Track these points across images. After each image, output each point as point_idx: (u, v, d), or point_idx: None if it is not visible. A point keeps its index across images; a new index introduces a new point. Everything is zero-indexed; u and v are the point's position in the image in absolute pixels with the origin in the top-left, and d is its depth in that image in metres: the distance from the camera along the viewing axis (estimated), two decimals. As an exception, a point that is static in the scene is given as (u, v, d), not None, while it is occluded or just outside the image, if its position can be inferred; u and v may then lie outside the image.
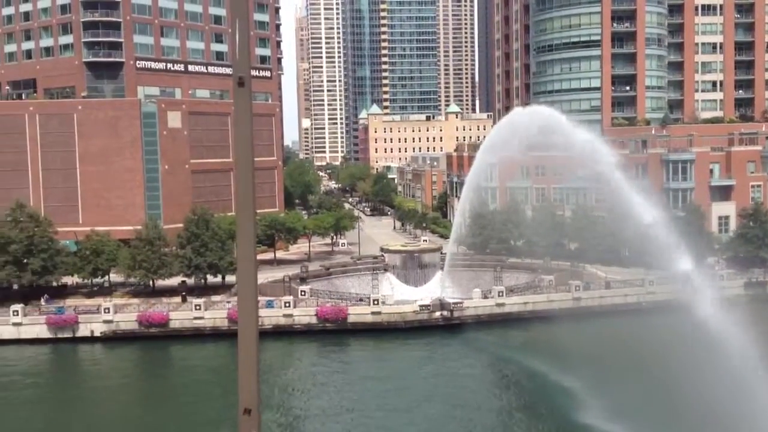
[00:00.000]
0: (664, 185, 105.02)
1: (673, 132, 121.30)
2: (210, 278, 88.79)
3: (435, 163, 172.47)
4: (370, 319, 78.86)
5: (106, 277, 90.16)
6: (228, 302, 79.31)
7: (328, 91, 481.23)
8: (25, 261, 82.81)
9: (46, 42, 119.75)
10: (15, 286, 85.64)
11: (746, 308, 63.13)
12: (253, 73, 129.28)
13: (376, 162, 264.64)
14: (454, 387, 60.76)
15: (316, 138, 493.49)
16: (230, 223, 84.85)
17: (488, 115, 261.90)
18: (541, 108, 69.56)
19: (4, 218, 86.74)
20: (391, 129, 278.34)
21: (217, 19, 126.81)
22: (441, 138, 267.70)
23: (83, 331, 76.49)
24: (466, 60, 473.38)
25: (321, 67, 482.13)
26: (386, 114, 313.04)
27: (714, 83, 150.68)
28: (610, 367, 53.72)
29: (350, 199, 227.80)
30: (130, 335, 76.07)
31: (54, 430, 55.24)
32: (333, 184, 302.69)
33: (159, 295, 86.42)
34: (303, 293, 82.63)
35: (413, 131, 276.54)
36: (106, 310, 77.04)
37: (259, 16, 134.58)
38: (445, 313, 79.44)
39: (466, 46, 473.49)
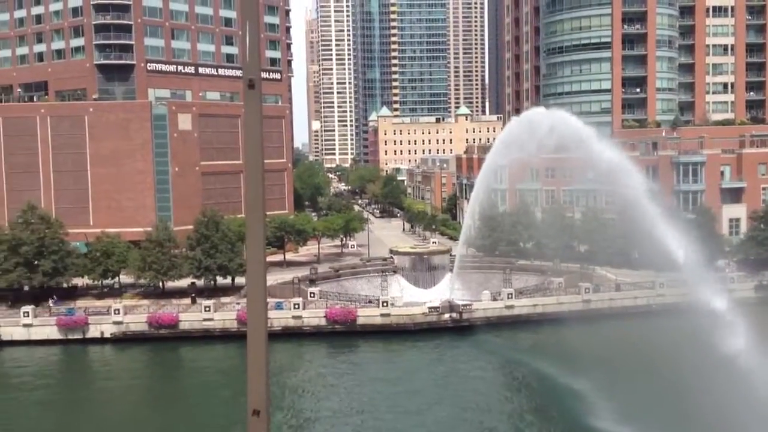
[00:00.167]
0: (674, 187, 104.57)
1: (684, 134, 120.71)
2: (219, 280, 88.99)
3: (444, 165, 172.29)
4: (379, 321, 78.85)
5: (116, 279, 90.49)
6: (237, 304, 79.46)
7: (338, 93, 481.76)
8: (36, 262, 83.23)
9: (58, 45, 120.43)
10: (26, 288, 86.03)
11: (757, 310, 62.79)
12: (263, 75, 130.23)
13: (386, 164, 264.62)
14: (464, 389, 60.65)
15: (325, 140, 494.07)
16: (240, 225, 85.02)
17: (498, 117, 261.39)
18: (565, 116, 66.28)
19: (16, 220, 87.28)
20: (400, 131, 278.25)
21: (228, 22, 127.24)
22: (451, 140, 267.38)
23: (93, 332, 76.80)
24: (476, 62, 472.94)
25: (331, 69, 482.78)
26: (396, 116, 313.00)
27: (725, 85, 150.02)
28: (620, 370, 53.53)
29: (360, 201, 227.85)
30: (140, 336, 76.32)
31: (64, 431, 55.48)
32: (342, 186, 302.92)
33: (169, 296, 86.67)
34: (312, 295, 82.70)
35: (423, 133, 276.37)
36: (116, 312, 77.35)
37: (269, 19, 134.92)
38: (454, 315, 79.33)
39: (476, 49, 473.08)
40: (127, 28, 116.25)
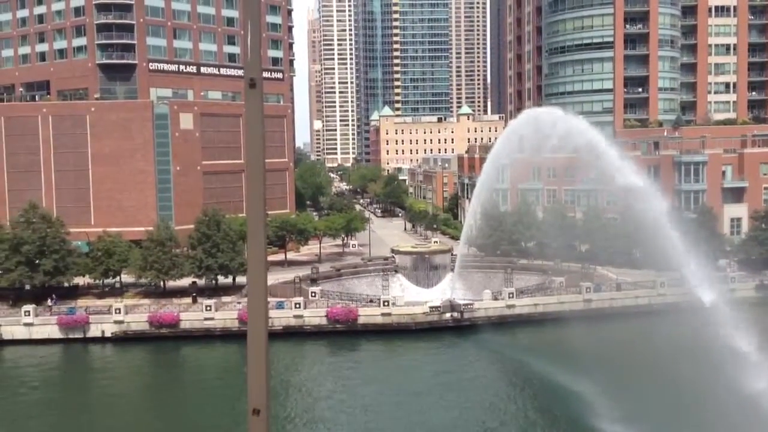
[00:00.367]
0: (676, 187, 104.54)
1: (686, 134, 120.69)
2: (221, 279, 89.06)
3: (446, 165, 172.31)
4: (380, 321, 78.87)
5: (118, 278, 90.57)
6: (238, 303, 79.53)
7: (340, 92, 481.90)
8: (37, 262, 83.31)
9: (60, 44, 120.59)
10: (27, 287, 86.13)
11: (758, 310, 62.73)
12: (265, 74, 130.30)
13: (388, 163, 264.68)
14: (465, 388, 60.65)
15: (327, 140, 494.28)
16: (241, 225, 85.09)
17: (500, 117, 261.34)
18: (579, 125, 63.87)
19: (17, 219, 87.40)
20: (402, 131, 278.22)
21: (230, 21, 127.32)
22: (452, 140, 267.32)
23: (94, 331, 76.86)
24: (478, 62, 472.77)
25: (333, 68, 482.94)
26: (398, 116, 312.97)
27: (727, 85, 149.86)
28: (620, 369, 53.54)
29: (361, 201, 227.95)
30: (141, 336, 76.38)
31: (64, 431, 55.54)
32: (344, 186, 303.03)
33: (170, 295, 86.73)
34: (313, 294, 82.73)
35: (425, 133, 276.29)
36: (117, 311, 77.41)
37: (271, 18, 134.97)
38: (455, 314, 79.32)
39: (478, 48, 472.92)
40: (130, 27, 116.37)
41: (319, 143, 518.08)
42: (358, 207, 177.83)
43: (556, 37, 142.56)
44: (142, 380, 68.49)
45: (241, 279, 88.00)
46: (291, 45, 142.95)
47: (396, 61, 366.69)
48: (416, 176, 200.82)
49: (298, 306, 78.40)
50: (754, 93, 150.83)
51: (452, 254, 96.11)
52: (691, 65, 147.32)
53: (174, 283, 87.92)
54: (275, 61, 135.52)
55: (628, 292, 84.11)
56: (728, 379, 39.08)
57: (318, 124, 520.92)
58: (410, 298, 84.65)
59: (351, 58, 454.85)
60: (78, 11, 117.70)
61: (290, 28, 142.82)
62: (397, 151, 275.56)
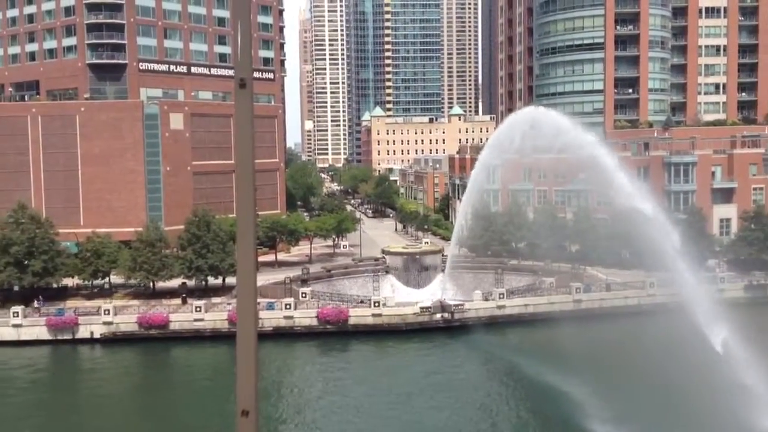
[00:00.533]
0: (665, 187, 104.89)
1: (676, 134, 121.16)
2: (210, 280, 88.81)
3: (437, 166, 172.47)
4: (371, 321, 78.84)
5: (107, 279, 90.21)
6: (228, 304, 79.36)
7: (331, 93, 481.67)
8: (26, 262, 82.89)
9: (50, 44, 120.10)
10: (15, 288, 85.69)
11: (746, 311, 62.98)
12: (256, 75, 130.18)
13: (379, 164, 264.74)
14: (456, 388, 60.67)
15: (318, 140, 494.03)
16: (231, 225, 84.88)
17: (491, 118, 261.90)
18: (584, 139, 61.82)
19: (6, 220, 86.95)
20: (393, 131, 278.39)
21: (221, 21, 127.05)
22: (444, 140, 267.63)
23: (83, 332, 76.53)
24: (470, 62, 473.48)
25: (324, 69, 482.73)
26: (389, 116, 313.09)
27: (717, 86, 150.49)
28: (610, 370, 53.73)
29: (352, 201, 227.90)
30: (130, 337, 76.10)
31: (53, 432, 55.32)
32: (335, 186, 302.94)
33: (159, 296, 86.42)
34: (304, 295, 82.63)
35: (416, 133, 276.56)
36: (106, 312, 77.12)
37: (262, 18, 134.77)
38: (445, 315, 79.37)
39: (469, 49, 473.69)
40: (120, 27, 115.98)
41: (310, 143, 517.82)
42: (349, 207, 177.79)
43: (547, 38, 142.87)
44: (131, 381, 68.22)
45: (231, 280, 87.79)
46: (282, 45, 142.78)
47: (387, 61, 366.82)
48: (407, 177, 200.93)
49: (288, 307, 78.29)
50: (743, 94, 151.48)
51: (443, 255, 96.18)
52: (681, 66, 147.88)
53: (163, 284, 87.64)
54: (266, 61, 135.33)
55: (617, 293, 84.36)
56: (718, 382, 39.24)
57: (309, 125, 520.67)
58: (401, 299, 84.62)
59: (342, 59, 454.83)
60: (68, 11, 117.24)
61: (281, 29, 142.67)
62: (388, 151, 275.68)
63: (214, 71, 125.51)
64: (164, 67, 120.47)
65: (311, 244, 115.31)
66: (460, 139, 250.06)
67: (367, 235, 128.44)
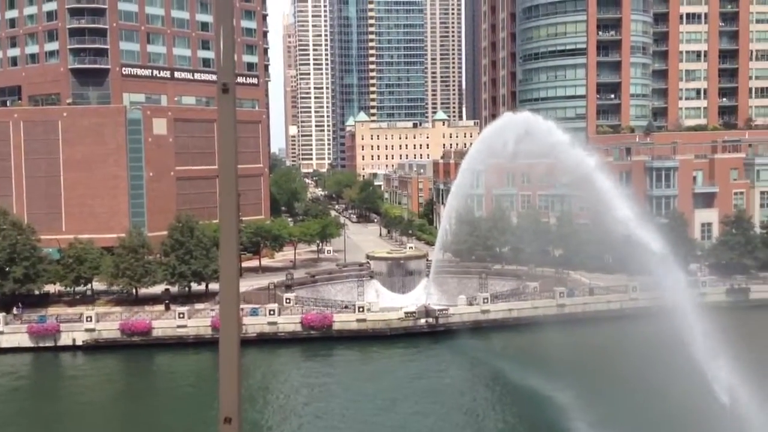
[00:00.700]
0: (647, 192, 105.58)
1: (657, 139, 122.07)
2: (194, 286, 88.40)
3: (422, 171, 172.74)
4: (355, 327, 78.76)
5: (89, 286, 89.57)
6: (212, 310, 78.99)
7: (316, 98, 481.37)
8: (7, 269, 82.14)
9: (32, 49, 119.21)
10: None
11: (727, 314, 63.43)
12: (240, 80, 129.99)
13: (363, 169, 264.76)
14: (441, 394, 60.70)
15: (302, 145, 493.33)
16: (215, 231, 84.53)
17: (475, 123, 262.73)
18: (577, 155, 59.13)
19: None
20: (378, 136, 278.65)
21: (204, 26, 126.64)
22: (428, 145, 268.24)
23: (65, 339, 75.89)
24: (454, 68, 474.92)
25: (308, 74, 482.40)
26: (373, 121, 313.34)
27: (698, 91, 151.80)
28: (593, 374, 54.00)
29: (337, 206, 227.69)
30: (113, 344, 75.53)
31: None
32: (319, 191, 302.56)
33: (142, 303, 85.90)
34: (288, 301, 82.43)
35: (400, 138, 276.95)
36: (89, 319, 76.52)
37: (246, 23, 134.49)
38: (430, 320, 79.45)
39: (453, 54, 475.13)
40: (102, 32, 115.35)
41: (295, 149, 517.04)
42: (333, 213, 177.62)
43: (530, 44, 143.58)
44: (113, 389, 67.69)
45: (214, 286, 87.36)
46: (266, 50, 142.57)
47: (371, 66, 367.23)
48: (391, 182, 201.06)
49: (272, 312, 78.07)
50: (724, 99, 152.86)
51: (427, 260, 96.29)
52: (663, 72, 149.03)
53: (146, 290, 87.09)
54: (250, 66, 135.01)
55: (600, 297, 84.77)
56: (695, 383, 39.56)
57: (293, 130, 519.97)
58: (385, 304, 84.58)
59: (326, 64, 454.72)
60: (50, 15, 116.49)
61: (265, 33, 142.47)
62: (372, 156, 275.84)
63: (197, 76, 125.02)
64: (147, 72, 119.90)
65: (295, 249, 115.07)
66: (444, 144, 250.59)
67: (351, 241, 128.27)
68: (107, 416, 59.62)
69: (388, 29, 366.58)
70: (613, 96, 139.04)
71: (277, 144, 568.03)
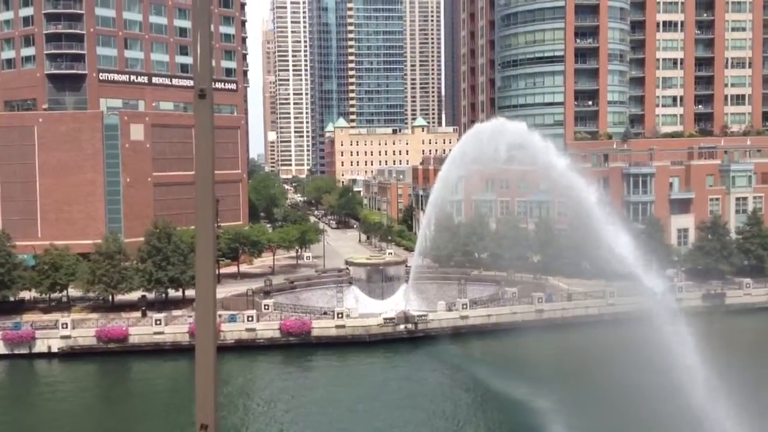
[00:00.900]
0: (624, 198, 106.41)
1: (634, 146, 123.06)
2: (171, 292, 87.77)
3: (401, 177, 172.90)
4: (334, 333, 78.52)
5: (65, 292, 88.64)
6: (189, 317, 78.35)
7: (295, 104, 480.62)
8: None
9: (8, 54, 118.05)
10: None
11: (703, 319, 64.01)
12: (219, 85, 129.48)
13: (342, 175, 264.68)
14: (420, 400, 60.59)
15: (281, 151, 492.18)
16: (193, 237, 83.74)
17: (454, 129, 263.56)
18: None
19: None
20: (357, 142, 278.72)
21: (182, 32, 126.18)
22: (407, 151, 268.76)
23: (40, 347, 74.96)
24: (433, 74, 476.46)
25: (287, 80, 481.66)
26: (352, 127, 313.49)
27: (674, 98, 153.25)
28: (569, 378, 54.27)
29: (316, 212, 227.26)
30: (89, 351, 74.74)
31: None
32: (298, 197, 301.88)
33: (118, 309, 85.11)
34: (266, 307, 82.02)
35: (379, 144, 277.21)
36: (64, 326, 75.67)
37: (225, 29, 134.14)
38: (409, 325, 79.40)
39: (432, 61, 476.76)
40: (80, 37, 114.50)
41: (274, 154, 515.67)
42: (312, 219, 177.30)
43: (509, 51, 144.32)
44: (89, 396, 66.94)
45: (191, 292, 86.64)
46: (245, 56, 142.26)
47: (351, 72, 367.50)
48: (371, 188, 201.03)
49: (250, 319, 77.64)
50: (700, 106, 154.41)
51: (406, 266, 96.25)
52: (640, 79, 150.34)
53: (123, 296, 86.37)
54: (228, 71, 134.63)
55: (578, 302, 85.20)
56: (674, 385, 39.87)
57: (272, 136, 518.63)
58: (364, 310, 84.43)
59: (306, 70, 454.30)
60: (27, 21, 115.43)
61: (244, 39, 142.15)
62: (351, 162, 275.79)
63: (175, 82, 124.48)
64: (125, 78, 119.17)
65: (274, 255, 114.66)
66: (423, 151, 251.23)
67: (330, 246, 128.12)
68: (83, 424, 58.95)
69: (368, 35, 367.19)
70: (590, 103, 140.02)
71: (256, 150, 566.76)
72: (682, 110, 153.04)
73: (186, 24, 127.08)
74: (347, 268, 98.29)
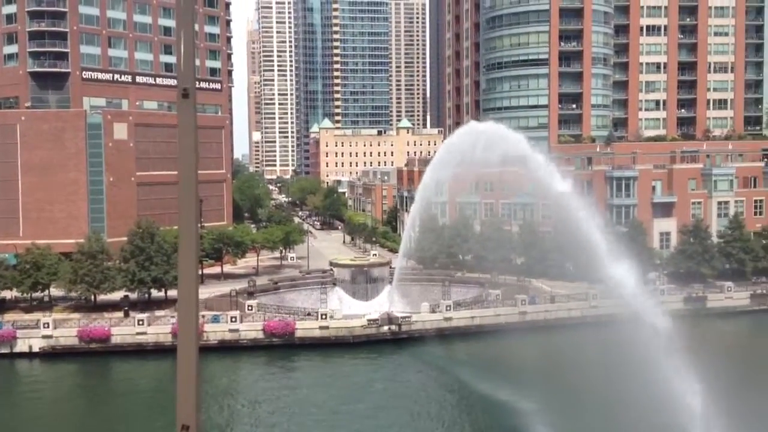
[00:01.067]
0: (608, 201, 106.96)
1: (618, 149, 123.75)
2: (154, 293, 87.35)
3: (386, 178, 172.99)
4: (318, 334, 78.42)
5: (47, 292, 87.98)
6: (172, 317, 77.95)
7: (280, 104, 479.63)
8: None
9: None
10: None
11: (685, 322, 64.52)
12: (203, 85, 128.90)
13: (327, 176, 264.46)
14: (403, 402, 60.65)
15: (266, 151, 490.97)
16: (176, 237, 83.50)
17: (439, 131, 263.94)
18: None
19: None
20: (342, 143, 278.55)
21: (167, 31, 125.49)
22: (392, 153, 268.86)
23: (21, 346, 74.33)
24: (418, 76, 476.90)
25: (272, 80, 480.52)
26: (338, 128, 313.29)
27: (657, 102, 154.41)
28: (552, 379, 54.52)
29: (300, 213, 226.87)
30: (70, 351, 74.20)
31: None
32: (283, 198, 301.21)
33: (101, 309, 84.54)
34: (250, 308, 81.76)
35: (364, 146, 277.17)
36: (46, 325, 75.11)
37: (209, 29, 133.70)
38: (393, 327, 79.44)
39: (417, 62, 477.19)
40: (63, 35, 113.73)
41: (258, 155, 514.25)
42: (297, 219, 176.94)
43: (494, 53, 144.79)
44: (71, 397, 66.48)
45: (174, 292, 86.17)
46: (229, 56, 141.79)
47: (336, 73, 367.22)
48: (356, 189, 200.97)
49: (234, 320, 77.39)
50: (683, 110, 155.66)
51: (391, 267, 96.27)
52: (623, 83, 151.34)
53: (105, 296, 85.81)
54: (213, 71, 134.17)
55: (561, 305, 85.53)
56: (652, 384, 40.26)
57: (257, 136, 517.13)
58: (348, 311, 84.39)
59: (291, 70, 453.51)
60: (10, 18, 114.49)
61: (229, 39, 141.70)
62: (336, 163, 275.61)
63: (159, 81, 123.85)
64: (108, 76, 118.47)
65: (258, 256, 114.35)
66: (408, 152, 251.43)
67: (314, 247, 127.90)
68: (64, 425, 58.53)
69: (353, 36, 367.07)
70: (574, 106, 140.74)
71: (241, 150, 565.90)
72: (665, 114, 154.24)
73: (170, 23, 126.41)
74: (331, 269, 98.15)
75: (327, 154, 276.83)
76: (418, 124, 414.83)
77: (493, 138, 65.47)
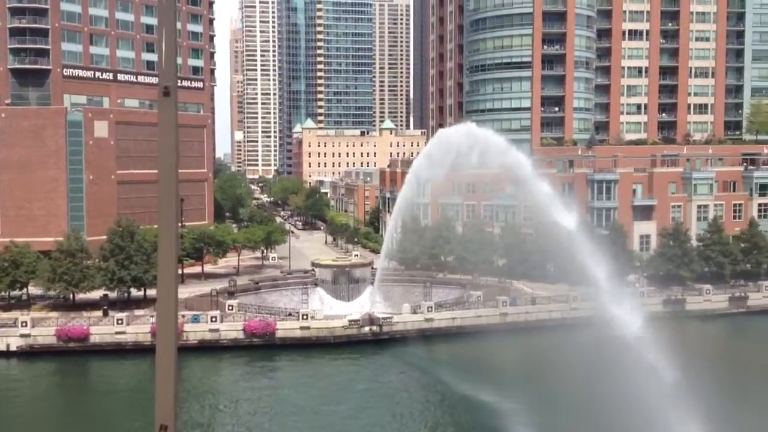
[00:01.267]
0: (589, 204, 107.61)
1: (599, 153, 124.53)
2: (133, 292, 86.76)
3: (368, 179, 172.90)
4: (298, 334, 78.25)
5: (25, 290, 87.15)
6: (151, 316, 77.47)
7: (262, 104, 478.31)
8: (-62, 272, 79.45)
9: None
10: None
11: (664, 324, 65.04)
12: (185, 83, 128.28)
13: (310, 176, 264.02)
14: (384, 402, 60.70)
15: (248, 151, 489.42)
16: (156, 236, 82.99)
17: (422, 132, 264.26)
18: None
19: None
20: (325, 143, 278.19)
21: (149, 29, 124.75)
22: (375, 153, 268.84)
23: (-1, 345, 73.69)
24: (401, 77, 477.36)
25: (255, 79, 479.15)
26: (320, 128, 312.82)
27: (639, 106, 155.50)
28: (532, 380, 54.75)
29: (282, 213, 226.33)
30: (48, 350, 73.56)
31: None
32: (265, 198, 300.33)
33: (80, 308, 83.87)
34: (230, 308, 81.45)
35: (347, 146, 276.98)
36: (24, 324, 74.42)
37: (192, 27, 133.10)
38: (374, 328, 79.42)
39: (401, 64, 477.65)
40: (44, 32, 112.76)
41: (240, 154, 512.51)
42: (278, 219, 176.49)
43: (477, 56, 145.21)
44: (48, 396, 65.86)
45: (154, 292, 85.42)
46: (212, 54, 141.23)
47: (319, 73, 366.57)
48: (338, 189, 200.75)
49: (214, 319, 77.04)
50: (664, 114, 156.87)
51: (372, 268, 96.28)
52: (605, 86, 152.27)
53: (84, 295, 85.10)
54: (196, 69, 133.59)
55: (542, 306, 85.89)
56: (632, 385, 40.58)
57: (239, 135, 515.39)
58: (329, 312, 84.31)
59: (274, 70, 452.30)
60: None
61: (212, 37, 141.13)
62: (319, 163, 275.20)
63: (141, 79, 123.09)
64: (89, 74, 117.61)
65: (239, 255, 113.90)
66: (391, 153, 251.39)
67: (296, 248, 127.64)
68: (42, 424, 58.01)
69: (337, 37, 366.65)
70: (557, 109, 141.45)
71: (223, 149, 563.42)
72: (646, 118, 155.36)
73: (152, 21, 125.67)
74: (313, 270, 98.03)
75: (309, 154, 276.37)
76: (401, 126, 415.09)
77: (490, 149, 63.45)
